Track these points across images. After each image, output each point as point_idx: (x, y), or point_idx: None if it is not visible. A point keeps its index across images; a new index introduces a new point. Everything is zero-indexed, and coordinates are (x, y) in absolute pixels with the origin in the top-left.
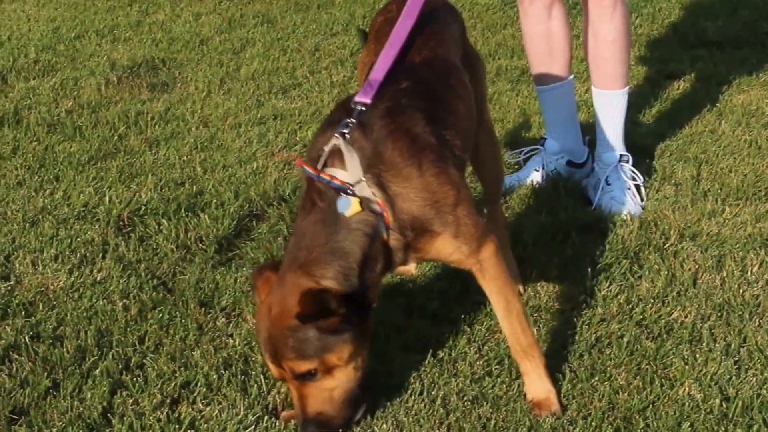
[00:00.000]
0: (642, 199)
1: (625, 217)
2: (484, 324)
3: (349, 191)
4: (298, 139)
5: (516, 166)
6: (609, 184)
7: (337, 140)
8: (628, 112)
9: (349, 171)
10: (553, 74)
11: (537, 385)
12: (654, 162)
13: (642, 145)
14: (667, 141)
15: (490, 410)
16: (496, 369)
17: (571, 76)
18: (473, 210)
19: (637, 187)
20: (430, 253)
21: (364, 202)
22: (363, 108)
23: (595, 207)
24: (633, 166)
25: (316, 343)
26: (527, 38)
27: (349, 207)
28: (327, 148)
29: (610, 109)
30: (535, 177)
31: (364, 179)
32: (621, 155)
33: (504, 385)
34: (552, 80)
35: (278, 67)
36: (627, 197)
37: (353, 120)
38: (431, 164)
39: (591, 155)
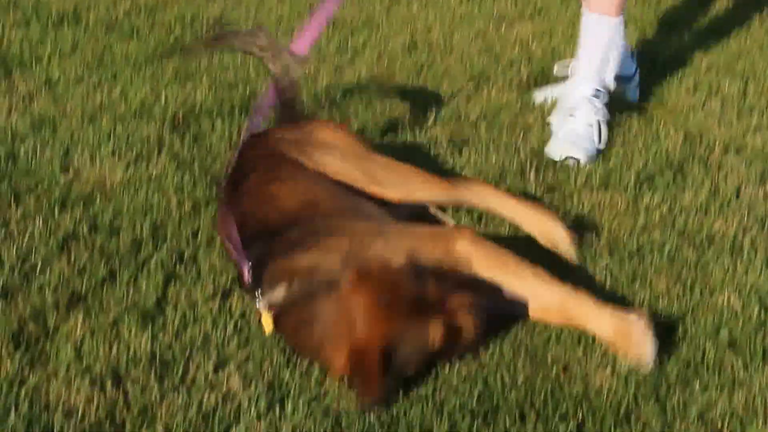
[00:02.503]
0: (601, 141)
1: (575, 158)
2: None
3: None
4: (349, 45)
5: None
6: (573, 117)
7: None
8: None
9: None
10: None
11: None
12: (701, 76)
13: (689, 59)
14: (714, 56)
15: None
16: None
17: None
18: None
19: (600, 125)
20: None
21: None
22: None
23: (553, 137)
24: (680, 80)
25: None
26: None
27: None
28: None
29: (596, 37)
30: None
31: None
32: (597, 89)
33: None
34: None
35: None
36: (585, 134)
37: None
38: None
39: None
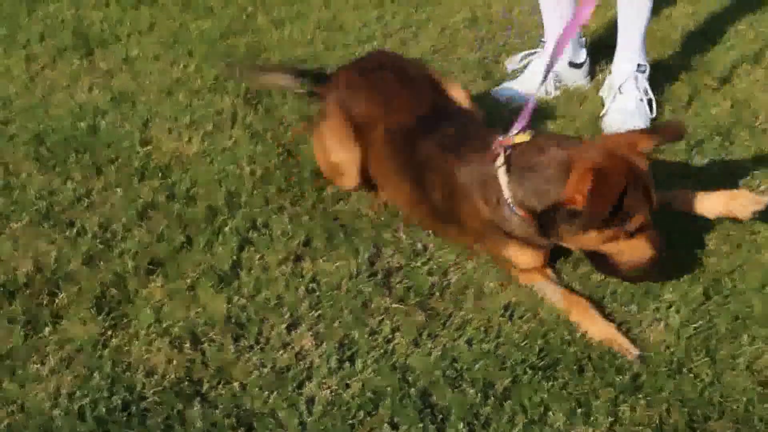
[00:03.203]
0: (653, 114)
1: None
2: None
3: None
4: (413, 20)
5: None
6: (622, 93)
7: None
8: (651, 19)
9: None
10: None
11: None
12: (747, 46)
13: (736, 29)
14: (760, 26)
15: None
16: None
17: None
18: None
19: (650, 101)
20: None
21: None
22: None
23: (605, 114)
24: (728, 50)
25: None
26: None
27: None
28: None
29: (634, 14)
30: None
31: None
32: (639, 65)
33: None
34: None
35: None
36: (637, 109)
37: None
38: None
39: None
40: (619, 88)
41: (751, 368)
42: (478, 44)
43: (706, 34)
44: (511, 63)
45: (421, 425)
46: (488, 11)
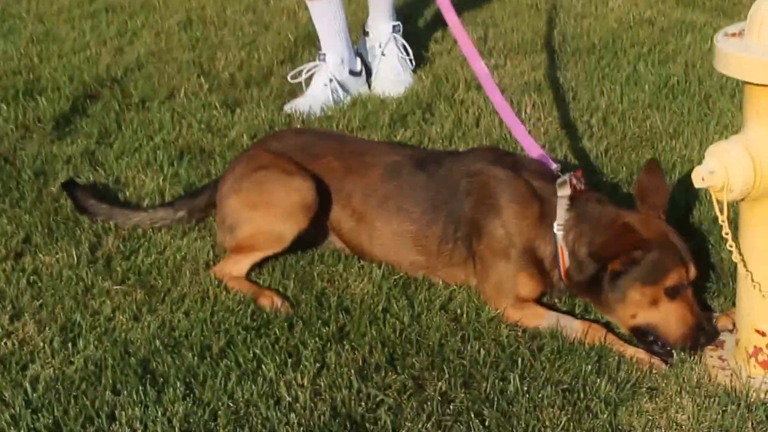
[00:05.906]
0: (412, 65)
1: (399, 82)
2: None
3: None
4: (129, 28)
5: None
6: (385, 55)
7: None
8: None
9: None
10: None
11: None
12: (447, 27)
13: (437, 13)
14: (460, 9)
15: None
16: None
17: None
18: None
19: (407, 52)
20: None
21: None
22: None
23: (375, 74)
24: (430, 31)
25: None
26: None
27: None
28: None
29: None
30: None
31: None
32: (393, 25)
33: None
34: None
35: None
36: (401, 66)
37: None
38: None
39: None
40: (382, 52)
41: (445, 308)
42: (192, 45)
43: (411, 21)
44: (294, 77)
45: (141, 388)
46: (202, 13)
